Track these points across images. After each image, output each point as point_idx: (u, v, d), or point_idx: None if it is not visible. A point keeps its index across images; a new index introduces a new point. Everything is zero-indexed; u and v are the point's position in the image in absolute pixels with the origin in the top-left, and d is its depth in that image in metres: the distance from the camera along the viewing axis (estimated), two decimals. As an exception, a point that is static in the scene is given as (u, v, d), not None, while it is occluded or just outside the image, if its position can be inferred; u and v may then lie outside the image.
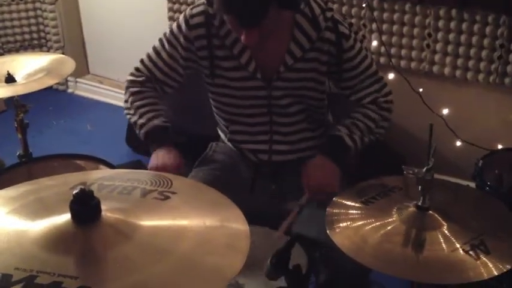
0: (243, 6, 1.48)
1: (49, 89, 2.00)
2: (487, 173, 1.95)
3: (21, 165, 2.13)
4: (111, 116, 3.74)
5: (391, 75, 2.67)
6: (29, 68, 2.14)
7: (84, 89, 4.03)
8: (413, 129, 2.84)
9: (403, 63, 2.72)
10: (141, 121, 1.73)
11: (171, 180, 1.08)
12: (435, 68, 2.66)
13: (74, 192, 0.90)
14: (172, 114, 3.03)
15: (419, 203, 1.24)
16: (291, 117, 1.76)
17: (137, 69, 1.81)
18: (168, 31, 1.75)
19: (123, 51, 3.81)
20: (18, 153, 2.21)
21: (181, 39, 1.70)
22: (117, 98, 3.86)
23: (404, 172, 1.28)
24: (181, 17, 1.71)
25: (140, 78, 1.78)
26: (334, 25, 1.65)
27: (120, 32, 3.78)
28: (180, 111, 3.09)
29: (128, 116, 1.79)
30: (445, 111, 2.62)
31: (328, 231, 1.21)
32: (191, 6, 1.71)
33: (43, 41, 3.96)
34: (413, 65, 2.70)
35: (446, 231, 1.19)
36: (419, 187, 1.23)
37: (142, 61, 1.80)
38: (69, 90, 4.07)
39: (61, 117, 3.73)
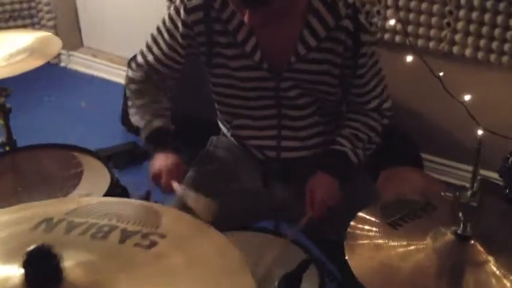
0: None
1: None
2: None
3: (3, 155, 1.94)
4: (105, 92, 3.55)
5: (408, 57, 2.47)
6: (11, 47, 1.93)
7: (78, 62, 3.83)
8: (429, 115, 2.65)
9: (420, 42, 2.51)
10: (141, 123, 1.61)
11: (160, 216, 0.88)
12: (455, 49, 2.45)
13: (28, 250, 0.70)
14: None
15: (459, 231, 1.04)
16: (302, 110, 1.57)
17: (136, 63, 1.64)
18: (166, 16, 1.55)
19: (118, 23, 3.60)
20: (0, 141, 2.02)
21: (180, 25, 1.51)
22: (112, 72, 3.67)
23: (442, 194, 1.08)
24: (178, 0, 1.51)
25: (139, 74, 1.63)
26: (355, 14, 1.45)
27: (115, 4, 3.55)
28: (178, 90, 2.91)
29: (130, 115, 1.67)
30: (466, 96, 2.41)
31: (347, 257, 1.03)
32: None
33: (34, 11, 3.72)
34: (431, 44, 2.49)
35: (493, 267, 1.00)
36: (460, 213, 1.03)
37: (141, 53, 1.62)
38: (62, 64, 3.86)
39: (53, 93, 3.53)
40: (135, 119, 1.64)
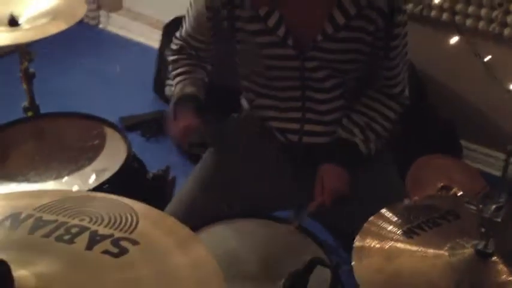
0: None
1: (79, 21, 1.80)
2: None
3: (26, 121, 1.91)
4: (141, 58, 3.48)
5: (453, 38, 2.31)
6: (34, 10, 1.88)
7: (117, 25, 3.77)
8: (473, 101, 2.50)
9: (469, 22, 2.34)
10: (173, 91, 1.62)
11: (137, 217, 0.80)
12: (506, 31, 2.27)
13: None
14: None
15: (480, 247, 0.93)
16: (328, 93, 1.47)
17: (175, 36, 1.66)
18: None
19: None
20: (23, 105, 1.98)
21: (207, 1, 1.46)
22: (150, 38, 3.59)
23: (465, 204, 0.97)
24: None
25: (176, 46, 1.65)
26: None
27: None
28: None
29: (166, 84, 1.64)
30: (514, 84, 2.26)
31: (353, 263, 0.94)
32: None
33: (74, -30, 3.67)
34: (481, 25, 2.32)
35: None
36: (482, 229, 0.92)
37: (180, 26, 1.64)
38: (101, 26, 3.81)
39: (89, 55, 3.49)
40: (168, 87, 1.61)
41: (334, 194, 1.42)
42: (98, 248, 0.75)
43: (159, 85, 3.06)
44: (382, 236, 1.00)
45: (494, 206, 0.91)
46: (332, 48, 1.41)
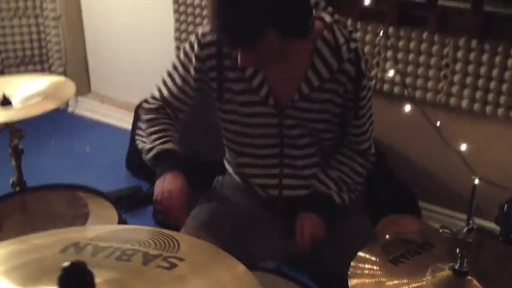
0: (233, 27, 1.40)
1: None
2: (513, 218, 1.81)
3: (14, 195, 2.00)
4: (111, 138, 3.63)
5: (406, 107, 2.56)
6: (27, 91, 2.01)
7: (85, 108, 3.91)
8: (426, 163, 2.72)
9: (418, 93, 2.60)
10: (149, 146, 1.62)
11: (177, 242, 0.94)
12: (452, 100, 2.53)
13: (64, 266, 0.76)
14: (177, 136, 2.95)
15: (457, 267, 1.10)
16: (303, 149, 1.65)
17: (152, 96, 1.71)
18: (181, 52, 1.64)
19: (126, 71, 3.71)
20: (11, 180, 2.07)
21: (193, 59, 1.60)
22: (118, 118, 3.75)
23: (440, 231, 1.14)
24: (193, 36, 1.61)
25: (154, 106, 1.68)
26: (357, 58, 1.54)
27: (124, 51, 3.68)
28: (186, 133, 2.98)
29: (137, 142, 1.68)
30: (463, 146, 2.49)
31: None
32: (204, 24, 1.61)
33: (44, 57, 3.85)
34: (429, 96, 2.58)
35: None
36: (457, 249, 1.09)
37: (157, 87, 1.70)
38: (70, 109, 3.95)
39: (60, 137, 3.60)
40: (143, 143, 1.64)
41: (313, 238, 1.57)
42: (152, 264, 0.88)
43: (131, 163, 3.19)
44: (370, 270, 1.14)
45: (465, 229, 1.08)
46: (307, 107, 1.58)
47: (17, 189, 2.08)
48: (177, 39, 3.25)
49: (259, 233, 1.66)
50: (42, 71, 3.85)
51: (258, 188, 1.69)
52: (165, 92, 1.67)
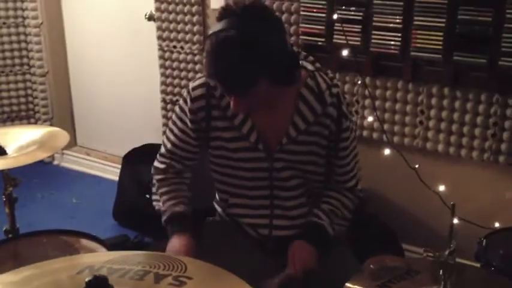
0: (227, 73, 1.50)
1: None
2: (491, 253, 1.90)
3: (7, 241, 2.04)
4: (97, 189, 3.67)
5: (385, 151, 2.67)
6: (21, 141, 2.09)
7: (71, 161, 3.97)
8: (406, 205, 2.82)
9: (396, 139, 2.72)
10: (163, 209, 1.77)
11: (185, 264, 1.02)
12: (429, 145, 2.66)
13: (87, 280, 0.83)
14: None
15: (441, 288, 1.18)
16: (292, 191, 1.74)
17: (160, 154, 1.84)
18: (177, 107, 1.77)
19: (111, 124, 3.80)
20: (4, 228, 2.12)
21: (187, 112, 1.71)
22: (104, 170, 3.81)
23: (424, 254, 1.22)
24: (185, 91, 1.73)
25: (163, 165, 1.82)
26: (338, 102, 1.66)
27: (110, 105, 3.77)
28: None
29: (154, 204, 1.82)
30: (441, 187, 2.60)
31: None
32: (195, 79, 1.73)
33: (31, 112, 3.92)
34: (406, 141, 2.70)
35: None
36: (441, 271, 1.17)
37: (162, 143, 1.83)
38: (55, 162, 4.00)
39: (46, 189, 3.64)
40: (158, 205, 1.78)
41: (304, 267, 1.63)
42: (164, 282, 0.95)
43: (119, 212, 3.23)
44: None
45: (447, 251, 1.17)
46: (295, 150, 1.68)
47: (10, 236, 2.11)
48: (163, 92, 3.36)
49: (249, 272, 1.71)
50: (29, 125, 3.92)
51: (248, 227, 1.77)
52: (169, 145, 1.79)
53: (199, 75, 1.77)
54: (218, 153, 1.72)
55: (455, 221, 2.55)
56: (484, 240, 1.97)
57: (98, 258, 1.05)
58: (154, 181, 1.83)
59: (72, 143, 4.03)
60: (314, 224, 1.72)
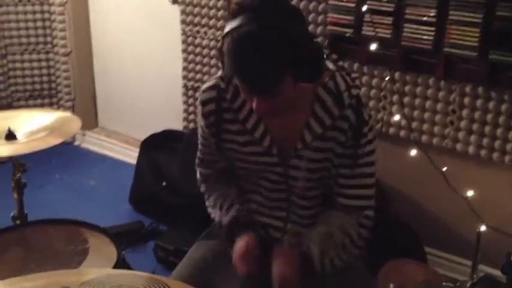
0: (255, 71, 1.37)
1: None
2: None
3: (14, 229, 1.99)
4: (116, 172, 3.63)
5: (412, 150, 2.54)
6: (32, 125, 2.03)
7: (92, 142, 3.93)
8: (432, 207, 2.69)
9: (424, 138, 2.59)
10: (217, 220, 1.68)
11: (166, 284, 0.93)
12: (459, 146, 2.52)
13: None
14: (176, 173, 2.95)
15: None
16: (310, 201, 1.63)
17: (196, 163, 1.76)
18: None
19: (133, 107, 3.74)
20: (12, 214, 2.07)
21: (201, 117, 1.63)
22: (124, 153, 3.76)
23: (444, 284, 1.11)
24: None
25: (200, 177, 1.76)
26: (358, 104, 1.53)
27: (133, 88, 3.71)
28: (185, 170, 2.98)
29: (212, 216, 1.73)
30: (469, 192, 2.47)
31: None
32: (206, 80, 1.64)
33: (53, 91, 3.88)
34: (435, 141, 2.57)
35: None
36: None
37: (198, 150, 1.75)
38: (76, 143, 3.96)
39: (65, 170, 3.60)
40: (213, 216, 1.70)
41: (281, 279, 1.49)
42: None
43: (135, 198, 3.18)
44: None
45: (469, 283, 1.06)
46: (310, 157, 1.56)
47: (18, 222, 2.07)
48: (185, 77, 3.27)
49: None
50: (51, 105, 3.88)
51: (261, 227, 1.67)
52: (199, 153, 1.73)
53: (211, 78, 1.66)
54: (233, 156, 1.62)
55: (483, 228, 2.45)
56: (512, 255, 1.85)
57: (78, 278, 0.96)
58: (202, 193, 1.76)
59: (94, 124, 4.00)
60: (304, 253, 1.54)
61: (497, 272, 2.26)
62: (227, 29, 1.39)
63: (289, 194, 1.62)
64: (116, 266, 1.74)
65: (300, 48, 1.37)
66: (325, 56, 1.45)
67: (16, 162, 1.99)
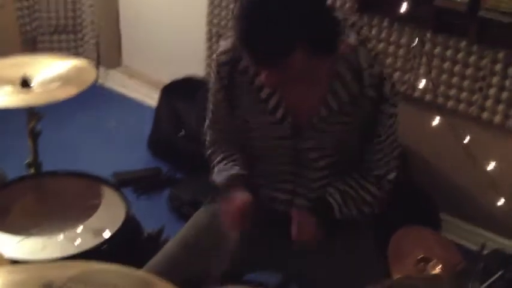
0: (259, 42, 1.31)
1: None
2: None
3: (28, 178, 2.00)
4: (137, 114, 3.60)
5: (436, 116, 2.47)
6: (47, 73, 2.00)
7: (115, 81, 3.90)
8: (452, 174, 2.63)
9: (450, 103, 2.50)
10: (219, 179, 1.63)
11: (150, 283, 0.91)
12: (485, 115, 2.43)
13: None
14: (195, 123, 2.92)
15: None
16: (319, 171, 1.58)
17: (204, 127, 1.72)
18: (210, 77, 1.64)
19: (157, 48, 3.68)
20: (27, 161, 2.08)
21: (215, 79, 1.57)
22: (147, 95, 3.73)
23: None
24: (215, 55, 1.58)
25: (208, 139, 1.71)
26: (380, 83, 1.46)
27: (158, 28, 3.64)
28: (204, 120, 2.94)
29: (213, 176, 1.68)
30: (491, 164, 2.40)
31: None
32: (222, 39, 1.56)
33: (78, 27, 3.83)
34: (461, 107, 2.48)
35: None
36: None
37: (207, 116, 1.70)
38: (99, 81, 3.94)
39: (86, 109, 3.59)
40: (215, 177, 1.66)
41: (311, 237, 1.51)
42: None
43: (153, 143, 3.18)
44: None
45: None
46: (326, 129, 1.51)
47: (32, 170, 2.08)
48: (209, 23, 3.19)
49: (254, 244, 1.62)
50: (75, 41, 3.85)
51: (266, 199, 1.64)
52: (208, 120, 1.69)
53: (222, 42, 1.59)
54: (243, 123, 1.58)
55: (502, 200, 2.39)
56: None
57: (64, 272, 0.94)
58: (209, 157, 1.71)
59: (117, 63, 3.96)
60: (323, 201, 1.56)
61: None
62: None
63: (298, 166, 1.58)
64: (124, 224, 1.75)
65: (311, 20, 1.29)
66: (344, 30, 1.37)
67: (31, 112, 1.98)
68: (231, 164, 1.62)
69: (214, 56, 1.57)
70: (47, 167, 2.15)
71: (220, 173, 1.62)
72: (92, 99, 3.73)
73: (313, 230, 1.52)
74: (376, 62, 1.47)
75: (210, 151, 1.71)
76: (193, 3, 3.31)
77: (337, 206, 1.56)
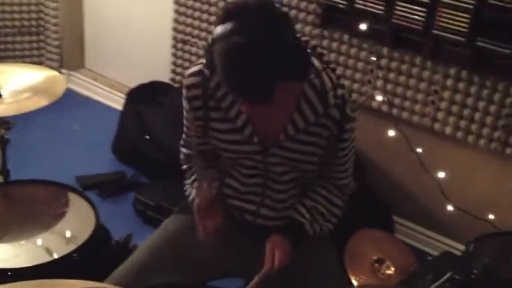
0: (247, 84, 1.39)
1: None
2: (477, 260, 1.86)
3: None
4: (100, 117, 3.62)
5: (391, 126, 2.61)
6: (18, 83, 2.03)
7: (77, 83, 3.91)
8: (405, 180, 2.78)
9: (405, 115, 2.64)
10: (192, 197, 1.75)
11: None
12: (437, 126, 2.58)
13: None
14: (159, 128, 2.98)
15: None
16: (285, 184, 1.69)
17: (180, 144, 1.81)
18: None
19: (122, 51, 3.71)
20: (-5, 169, 2.11)
21: (186, 101, 1.65)
22: (110, 98, 3.76)
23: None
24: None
25: (183, 156, 1.81)
26: (343, 104, 1.57)
27: (122, 31, 3.66)
28: (169, 126, 3.00)
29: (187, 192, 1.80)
30: (442, 172, 2.56)
31: None
32: (192, 65, 1.64)
33: (41, 29, 3.83)
34: (415, 118, 2.62)
35: None
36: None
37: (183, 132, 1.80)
38: (62, 83, 3.94)
39: (48, 111, 3.57)
40: (188, 194, 1.78)
41: (281, 264, 1.59)
42: None
43: (118, 147, 3.21)
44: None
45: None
46: (292, 148, 1.61)
47: (1, 179, 2.11)
48: (175, 29, 3.25)
49: (220, 251, 1.71)
50: (38, 42, 3.84)
51: (234, 210, 1.74)
52: (184, 135, 1.78)
53: (196, 62, 1.66)
54: (214, 141, 1.66)
55: (450, 207, 2.54)
56: (472, 245, 1.93)
57: None
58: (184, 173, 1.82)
59: (80, 65, 3.96)
60: (295, 222, 1.67)
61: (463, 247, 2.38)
62: (215, 35, 1.38)
63: (266, 179, 1.68)
64: (94, 233, 1.81)
65: (288, 54, 1.38)
66: (311, 56, 1.47)
67: (1, 121, 2.01)
68: (202, 182, 1.70)
69: (184, 79, 1.64)
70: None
71: (194, 190, 1.72)
72: (55, 102, 3.75)
73: (289, 253, 1.62)
74: (339, 84, 1.57)
75: (185, 167, 1.80)
76: (160, 10, 3.36)
77: (309, 224, 1.67)
